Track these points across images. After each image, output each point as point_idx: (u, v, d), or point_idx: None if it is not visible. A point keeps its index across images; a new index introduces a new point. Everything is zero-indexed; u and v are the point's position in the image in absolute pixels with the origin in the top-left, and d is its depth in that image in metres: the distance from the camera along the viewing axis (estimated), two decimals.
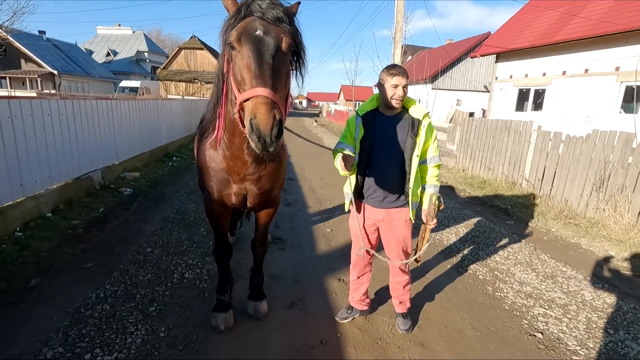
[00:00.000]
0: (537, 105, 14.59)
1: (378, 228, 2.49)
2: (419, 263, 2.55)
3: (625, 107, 11.63)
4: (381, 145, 2.27)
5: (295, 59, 1.63)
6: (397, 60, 13.99)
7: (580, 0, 14.19)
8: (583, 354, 2.45)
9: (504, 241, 4.45)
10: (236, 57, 1.53)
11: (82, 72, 29.10)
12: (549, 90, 13.93)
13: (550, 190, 6.02)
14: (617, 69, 11.66)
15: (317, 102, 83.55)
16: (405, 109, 2.31)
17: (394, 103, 2.22)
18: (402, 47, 13.76)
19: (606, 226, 4.79)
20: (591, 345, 2.54)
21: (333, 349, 2.39)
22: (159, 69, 30.14)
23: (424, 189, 2.36)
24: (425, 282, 3.34)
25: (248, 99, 1.42)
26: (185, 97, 22.73)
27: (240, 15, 1.51)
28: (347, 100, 57.82)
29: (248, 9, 1.50)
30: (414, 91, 23.63)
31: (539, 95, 14.45)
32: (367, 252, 2.52)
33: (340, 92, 63.08)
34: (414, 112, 2.29)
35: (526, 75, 14.94)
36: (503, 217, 5.47)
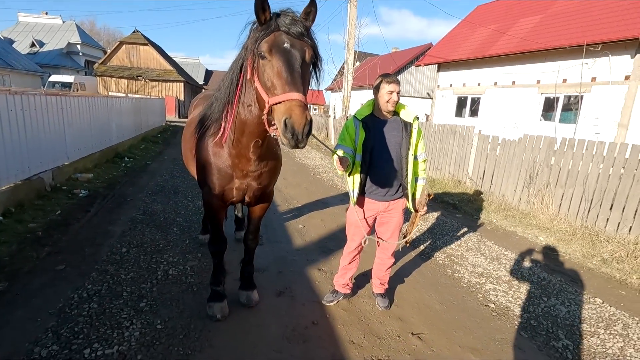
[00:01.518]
0: (474, 112, 16.12)
1: (376, 217, 2.81)
2: (408, 244, 2.92)
3: (545, 116, 13.36)
4: (381, 147, 2.57)
5: (312, 67, 1.87)
6: (350, 66, 14.62)
7: (508, 19, 15.98)
8: (525, 316, 2.99)
9: (456, 231, 5.05)
10: (266, 66, 1.72)
11: (2, 63, 25.97)
12: (483, 99, 15.47)
13: (490, 187, 6.85)
14: (538, 81, 13.34)
15: None
16: (396, 113, 2.65)
17: (390, 107, 2.54)
18: (355, 53, 14.40)
19: (535, 216, 5.63)
20: (531, 310, 3.10)
21: (324, 327, 2.65)
22: (96, 64, 27.98)
23: (416, 181, 2.73)
24: (395, 268, 3.73)
25: (281, 102, 1.63)
26: (130, 95, 21.41)
27: (268, 29, 1.72)
28: None
29: (275, 24, 1.72)
30: (366, 96, 24.66)
31: (475, 102, 15.98)
32: (362, 244, 2.81)
33: None
34: (405, 115, 2.62)
35: (464, 85, 16.45)
36: (452, 211, 6.14)
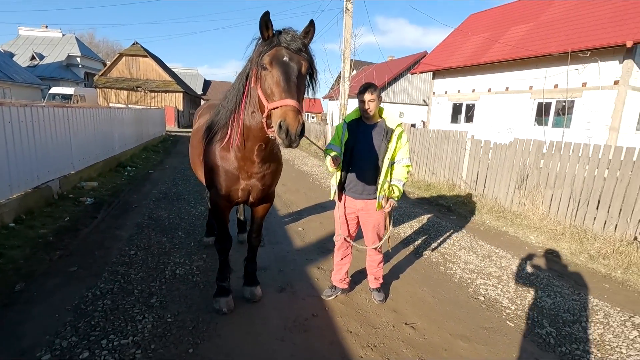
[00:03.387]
0: (469, 118, 16.43)
1: (358, 217, 3.00)
2: (390, 248, 3.12)
3: (538, 120, 13.65)
4: (361, 148, 2.81)
5: (309, 78, 2.10)
6: (347, 75, 14.94)
7: (500, 27, 16.39)
8: (513, 307, 3.18)
9: (449, 232, 5.24)
10: (267, 76, 1.96)
11: (2, 76, 26.29)
12: (478, 105, 15.78)
13: (483, 189, 7.07)
14: (531, 87, 13.67)
15: None
16: (383, 119, 2.87)
17: (365, 113, 2.79)
18: (351, 62, 14.73)
19: (526, 217, 5.84)
20: (519, 302, 3.29)
21: (324, 319, 2.83)
22: (96, 76, 28.33)
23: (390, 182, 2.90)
24: (390, 265, 3.93)
25: (277, 107, 1.86)
26: (130, 106, 21.69)
27: (271, 44, 1.96)
28: None
29: (277, 40, 1.95)
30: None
31: (470, 108, 16.30)
32: (345, 239, 3.02)
33: None
34: (390, 122, 2.85)
35: (459, 91, 16.79)
36: (447, 213, 6.34)
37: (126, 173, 8.55)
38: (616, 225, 4.88)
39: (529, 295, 3.43)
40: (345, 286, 3.21)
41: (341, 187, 2.95)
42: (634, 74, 11.20)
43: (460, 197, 7.09)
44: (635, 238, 4.60)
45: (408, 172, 2.91)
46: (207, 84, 55.30)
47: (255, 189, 2.63)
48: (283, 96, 1.86)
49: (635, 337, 2.82)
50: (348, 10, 14.86)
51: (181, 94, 27.67)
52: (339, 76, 34.11)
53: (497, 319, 2.99)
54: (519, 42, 14.21)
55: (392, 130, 2.80)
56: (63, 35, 40.21)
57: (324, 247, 4.38)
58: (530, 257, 4.45)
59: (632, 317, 3.12)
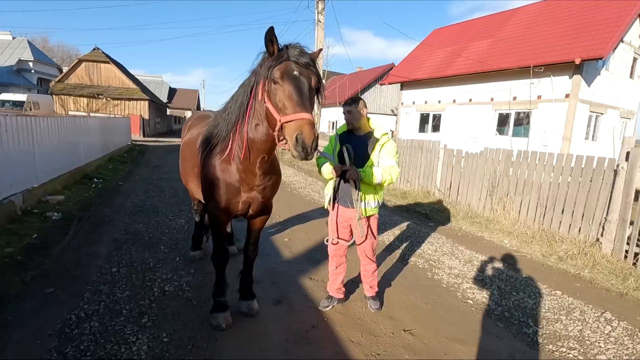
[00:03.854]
0: (435, 127, 17.15)
1: (350, 225, 3.05)
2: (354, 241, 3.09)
3: (499, 130, 14.50)
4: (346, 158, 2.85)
5: (316, 91, 2.14)
6: None
7: (462, 42, 17.33)
8: (499, 309, 3.35)
9: (430, 238, 5.43)
10: (278, 90, 1.97)
11: None
12: (444, 115, 16.52)
13: (457, 196, 7.40)
14: (492, 99, 14.51)
15: None
16: (372, 130, 2.99)
17: (348, 125, 2.99)
18: (325, 72, 14.95)
19: (499, 222, 6.17)
20: (504, 304, 3.46)
21: (324, 330, 2.84)
22: (52, 82, 26.67)
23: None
24: (380, 273, 3.99)
25: (292, 120, 1.88)
26: (91, 114, 20.63)
27: (280, 59, 1.98)
28: None
29: (286, 55, 1.98)
30: (335, 114, 25.38)
31: (437, 118, 17.02)
32: (338, 243, 3.07)
33: None
34: (377, 133, 2.98)
35: (426, 102, 17.50)
36: (425, 220, 6.56)
37: (94, 185, 8.10)
38: (580, 228, 5.29)
39: (512, 296, 3.63)
40: (342, 296, 3.24)
41: (335, 196, 3.00)
42: (582, 88, 12.24)
43: (435, 205, 7.37)
44: (597, 239, 5.01)
45: (393, 173, 2.82)
46: (172, 91, 53.80)
47: (256, 202, 2.61)
48: (297, 110, 1.88)
49: (610, 331, 3.07)
50: (320, 22, 15.13)
51: (146, 102, 26.66)
52: None
53: (488, 321, 3.13)
54: (480, 57, 15.10)
55: (378, 140, 2.92)
56: (13, 38, 37.62)
57: (313, 257, 4.39)
58: (507, 260, 4.71)
59: (604, 313, 3.38)
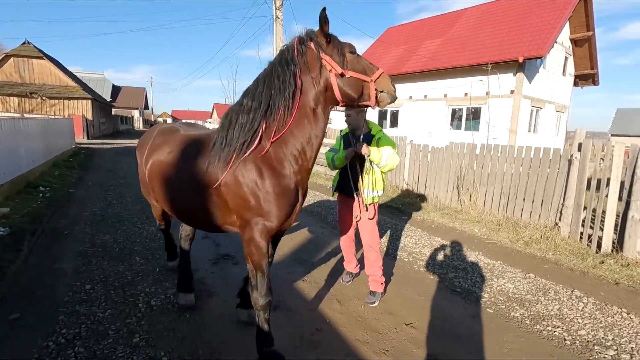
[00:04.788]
0: (393, 123, 17.70)
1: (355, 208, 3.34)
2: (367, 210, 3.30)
3: (453, 124, 15.32)
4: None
5: None
6: None
7: (415, 41, 18.01)
8: (486, 296, 3.54)
9: (407, 232, 5.60)
10: (356, 59, 2.17)
11: None
12: (401, 111, 17.09)
13: (425, 189, 7.69)
14: (446, 95, 15.27)
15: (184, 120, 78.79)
16: (369, 129, 3.29)
17: (348, 127, 3.36)
18: None
19: (467, 212, 6.52)
20: (488, 290, 3.67)
21: (329, 331, 2.81)
22: None
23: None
24: None
25: (381, 74, 2.18)
26: (26, 115, 18.60)
27: (337, 38, 2.16)
28: None
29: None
30: None
31: (395, 115, 17.57)
32: (350, 228, 3.51)
33: (213, 111, 61.15)
34: (373, 131, 3.27)
35: None
36: (398, 214, 6.75)
37: (40, 194, 7.31)
38: (539, 214, 5.75)
39: (493, 283, 3.85)
40: (357, 270, 3.79)
41: (340, 188, 3.44)
42: (525, 85, 13.29)
43: (406, 198, 7.61)
44: (556, 224, 5.48)
45: (395, 159, 3.12)
46: (116, 89, 50.28)
47: (299, 207, 2.35)
48: (377, 67, 2.22)
49: (583, 307, 3.37)
50: (278, 18, 14.89)
51: (89, 102, 24.54)
52: None
53: (478, 308, 3.29)
54: (433, 55, 15.81)
55: (374, 135, 3.26)
56: None
57: (301, 258, 4.33)
58: (480, 248, 4.99)
59: (573, 291, 3.71)
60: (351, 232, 3.58)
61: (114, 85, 48.49)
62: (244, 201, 2.15)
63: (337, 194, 3.53)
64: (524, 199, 5.95)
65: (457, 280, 3.87)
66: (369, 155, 2.99)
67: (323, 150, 3.79)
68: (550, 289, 3.76)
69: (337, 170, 3.42)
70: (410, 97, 16.70)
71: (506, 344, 2.74)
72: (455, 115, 15.20)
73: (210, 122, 46.99)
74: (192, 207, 2.48)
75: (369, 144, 3.13)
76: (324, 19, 2.02)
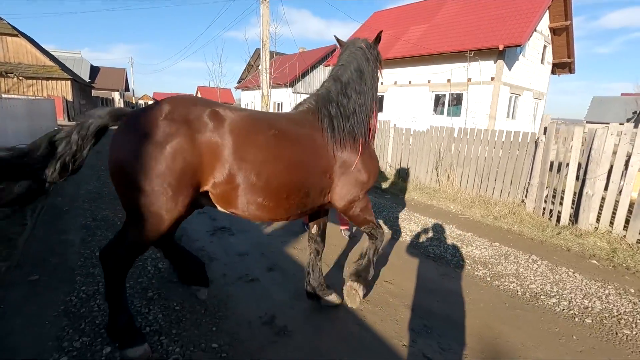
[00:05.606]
0: (379, 108, 18.08)
1: None
2: None
3: (436, 110, 15.81)
4: None
5: None
6: (268, 65, 15.01)
7: (401, 26, 18.25)
8: (455, 260, 4.04)
9: (389, 209, 6.06)
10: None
11: None
12: (386, 96, 17.45)
13: (407, 171, 8.17)
14: (429, 81, 15.68)
15: None
16: None
17: None
18: (272, 53, 14.82)
19: (445, 191, 7.03)
20: (457, 255, 4.17)
21: None
22: None
23: None
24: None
25: None
26: (4, 96, 18.06)
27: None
28: None
29: None
30: (286, 94, 25.28)
31: (380, 100, 17.92)
32: None
33: (197, 93, 60.04)
34: None
35: None
36: (381, 193, 7.21)
37: None
38: (509, 192, 6.30)
39: (463, 250, 4.36)
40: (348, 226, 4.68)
41: None
42: (505, 72, 13.82)
43: (389, 179, 8.08)
44: (523, 201, 6.04)
45: None
46: (95, 70, 48.63)
47: None
48: None
49: (536, 268, 3.91)
50: (265, 0, 14.86)
51: (69, 82, 23.90)
52: (249, 65, 33.38)
53: (448, 269, 3.79)
54: (418, 41, 16.12)
55: None
56: None
57: (291, 229, 4.73)
58: (454, 222, 5.50)
59: (531, 256, 4.25)
60: None
61: (92, 66, 46.88)
62: (365, 179, 2.59)
63: None
64: (495, 179, 6.49)
65: (431, 247, 4.36)
66: None
67: None
68: (511, 254, 4.29)
69: None
70: (395, 83, 17.05)
71: (468, 295, 3.24)
72: (440, 101, 15.68)
73: None
74: (303, 191, 2.38)
75: None
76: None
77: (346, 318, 2.80)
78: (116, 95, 50.73)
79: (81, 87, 28.89)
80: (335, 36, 3.05)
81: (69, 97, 23.91)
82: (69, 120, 22.82)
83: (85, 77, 40.21)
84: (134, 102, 61.14)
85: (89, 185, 6.64)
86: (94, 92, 39.43)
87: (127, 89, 56.35)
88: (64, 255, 3.68)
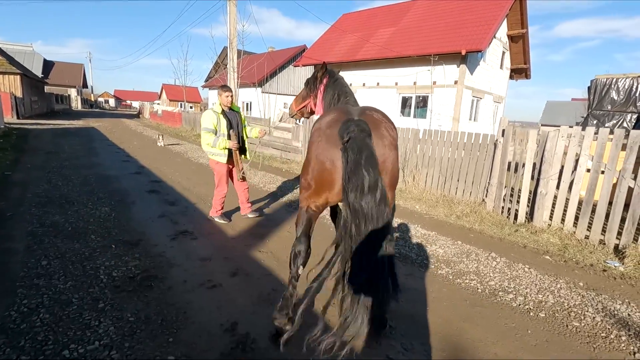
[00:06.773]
0: None
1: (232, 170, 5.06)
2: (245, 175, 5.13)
3: (403, 112, 16.17)
4: (233, 126, 4.78)
5: None
6: (235, 64, 14.71)
7: (369, 28, 18.52)
8: (419, 259, 4.11)
9: None
10: None
11: None
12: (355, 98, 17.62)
13: None
14: (397, 84, 16.01)
15: (128, 102, 73.68)
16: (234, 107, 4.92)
17: (226, 105, 4.77)
18: (240, 52, 14.54)
19: (410, 192, 7.18)
20: (422, 254, 4.25)
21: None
22: None
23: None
24: (327, 243, 4.45)
25: None
26: None
27: None
28: (171, 100, 53.58)
29: None
30: (248, 95, 24.85)
31: None
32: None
33: (162, 92, 57.83)
34: (235, 108, 4.97)
35: None
36: None
37: None
38: (471, 192, 6.53)
39: (427, 249, 4.45)
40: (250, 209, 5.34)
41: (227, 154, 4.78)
42: (467, 76, 14.37)
43: None
44: (483, 200, 6.27)
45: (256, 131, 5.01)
46: (48, 65, 45.82)
47: None
48: None
49: (495, 265, 4.05)
50: None
51: (18, 77, 22.19)
52: (216, 64, 32.60)
53: (411, 268, 3.84)
54: (385, 44, 16.42)
55: (239, 113, 4.99)
56: None
57: (255, 232, 4.63)
58: (419, 221, 5.62)
59: (491, 253, 4.41)
60: (238, 184, 5.13)
61: (45, 60, 44.03)
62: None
63: (227, 162, 4.81)
64: (458, 179, 6.70)
65: (396, 247, 4.42)
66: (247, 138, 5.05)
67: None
68: (472, 252, 4.43)
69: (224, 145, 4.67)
70: (364, 84, 17.28)
71: (431, 293, 3.30)
72: (407, 103, 16.04)
73: (158, 104, 44.47)
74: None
75: (240, 118, 4.95)
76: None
77: (309, 321, 2.75)
78: (73, 92, 47.91)
79: (32, 83, 26.97)
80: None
81: (18, 93, 22.24)
82: (18, 118, 21.21)
83: (38, 71, 37.73)
84: (92, 99, 57.96)
85: (38, 189, 6.17)
86: (48, 88, 36.99)
87: (85, 85, 53.43)
88: (6, 264, 3.38)
